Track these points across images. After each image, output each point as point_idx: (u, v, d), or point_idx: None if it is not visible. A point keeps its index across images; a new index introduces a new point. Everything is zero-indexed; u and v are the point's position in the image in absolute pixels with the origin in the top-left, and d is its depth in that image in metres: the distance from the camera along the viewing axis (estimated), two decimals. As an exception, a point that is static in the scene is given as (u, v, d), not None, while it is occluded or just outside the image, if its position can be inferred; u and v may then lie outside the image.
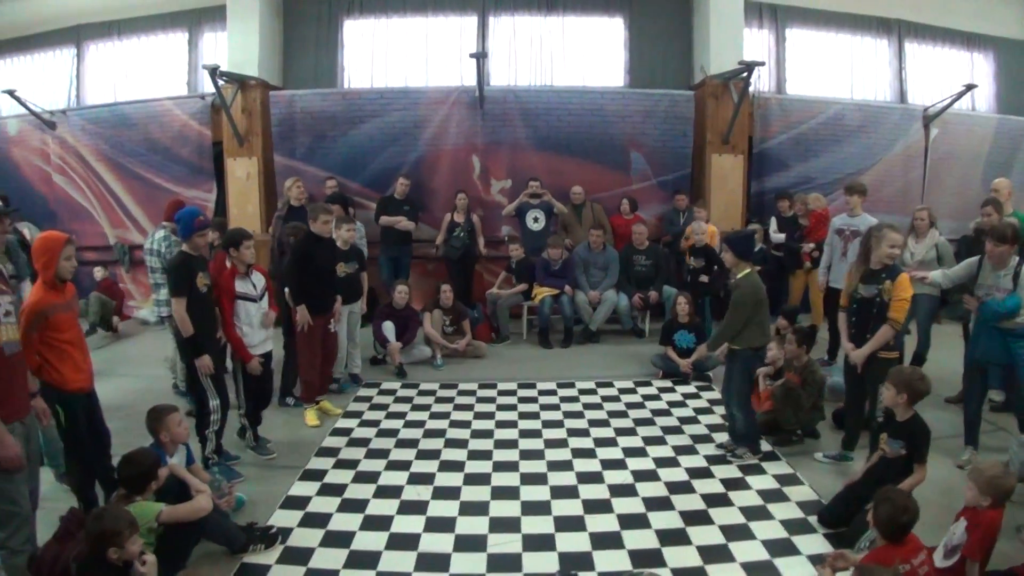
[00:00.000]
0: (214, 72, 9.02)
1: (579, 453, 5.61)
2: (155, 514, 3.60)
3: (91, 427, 4.40)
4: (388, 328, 7.69)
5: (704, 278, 8.42)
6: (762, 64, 9.33)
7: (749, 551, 4.15)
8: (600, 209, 9.61)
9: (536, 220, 9.41)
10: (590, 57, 10.85)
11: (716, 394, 6.95)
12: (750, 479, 5.11)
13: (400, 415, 6.48)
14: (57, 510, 3.94)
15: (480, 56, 9.28)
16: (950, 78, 11.09)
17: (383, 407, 6.70)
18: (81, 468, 4.38)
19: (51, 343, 4.07)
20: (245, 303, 5.43)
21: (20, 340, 3.78)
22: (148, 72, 11.04)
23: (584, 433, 6.03)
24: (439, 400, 6.87)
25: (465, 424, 6.23)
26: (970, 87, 10.15)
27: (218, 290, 5.32)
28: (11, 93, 10.17)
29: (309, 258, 6.13)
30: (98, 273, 9.88)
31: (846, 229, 7.25)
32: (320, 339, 6.30)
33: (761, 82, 10.62)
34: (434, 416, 6.45)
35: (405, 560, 4.10)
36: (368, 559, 4.11)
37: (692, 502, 4.79)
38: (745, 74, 9.25)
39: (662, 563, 4.03)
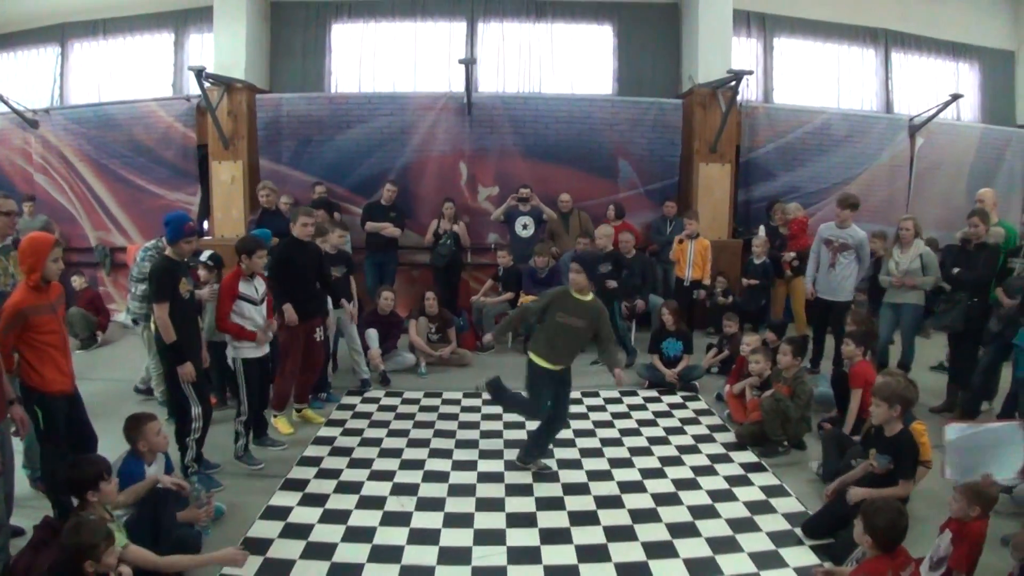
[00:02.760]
0: (200, 74, 8.94)
1: (565, 464, 5.54)
2: (115, 547, 3.38)
3: (72, 430, 4.32)
4: (371, 335, 7.61)
5: (612, 283, 8.21)
6: (750, 73, 9.37)
7: (736, 564, 4.11)
8: (587, 217, 9.58)
9: (525, 227, 9.37)
10: (579, 64, 10.86)
11: (703, 404, 6.96)
12: (737, 490, 5.07)
13: (383, 424, 6.41)
14: (29, 515, 3.88)
15: (469, 62, 9.26)
16: (936, 88, 11.16)
17: (366, 415, 6.62)
18: (56, 472, 4.23)
19: (32, 344, 4.01)
20: (247, 304, 5.49)
21: None
22: (133, 73, 10.95)
23: (570, 444, 5.96)
24: (423, 409, 6.78)
25: (450, 434, 6.15)
26: (956, 97, 10.20)
27: (223, 289, 5.47)
28: None
29: (289, 262, 6.04)
30: (76, 282, 9.50)
31: (835, 240, 7.26)
32: (303, 346, 6.22)
33: (749, 91, 10.64)
34: (418, 425, 6.37)
35: (388, 572, 4.03)
36: (350, 571, 4.03)
37: (679, 514, 4.74)
38: (733, 83, 9.27)
39: (649, 576, 3.99)
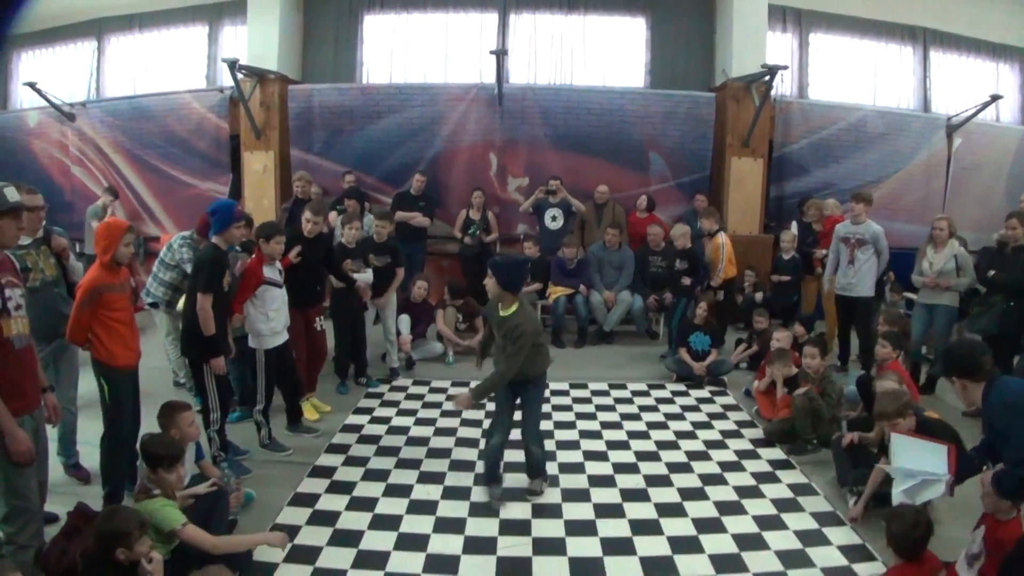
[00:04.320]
0: (233, 66, 9.06)
1: (591, 456, 5.56)
2: (174, 523, 3.47)
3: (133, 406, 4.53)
4: (403, 320, 7.66)
5: (686, 280, 8.23)
6: (785, 68, 9.24)
7: (762, 561, 4.09)
8: (621, 210, 9.51)
9: (555, 219, 9.35)
10: (611, 57, 10.80)
11: (730, 399, 6.92)
12: (764, 487, 5.04)
13: (411, 412, 6.45)
14: (63, 501, 3.94)
15: (500, 53, 9.25)
16: (975, 88, 10.94)
17: (394, 404, 6.66)
18: (117, 448, 4.37)
19: (103, 320, 4.24)
20: (271, 288, 5.45)
21: (71, 315, 4.17)
22: (168, 65, 11.09)
23: (596, 435, 5.98)
24: (451, 398, 6.79)
25: (476, 423, 6.15)
26: (995, 98, 10.03)
27: (247, 274, 5.39)
28: (32, 85, 10.26)
29: (289, 251, 5.88)
30: None
31: (851, 237, 7.20)
32: (304, 336, 6.21)
33: (783, 86, 10.53)
34: (445, 414, 6.40)
35: (414, 561, 4.05)
36: (376, 559, 4.06)
37: (705, 509, 4.73)
38: (767, 77, 9.17)
39: (675, 572, 3.98)
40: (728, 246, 8.68)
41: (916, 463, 3.86)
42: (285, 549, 3.87)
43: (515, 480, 5.05)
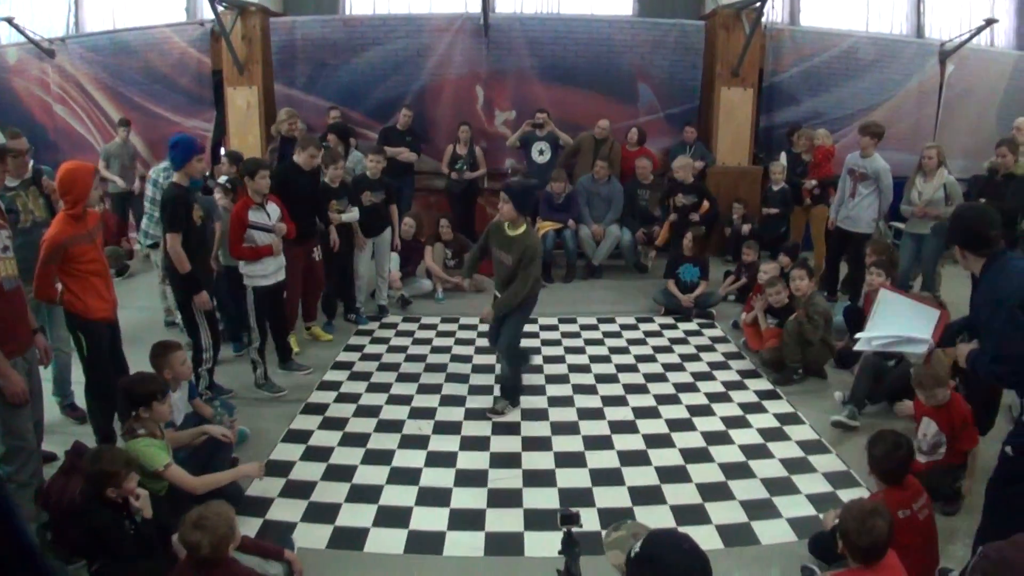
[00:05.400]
0: (213, -4, 8.78)
1: (580, 389, 5.62)
2: (157, 464, 3.48)
3: (113, 357, 4.42)
4: (392, 259, 7.62)
5: (695, 216, 8.27)
6: (776, -7, 9.06)
7: (749, 489, 4.18)
8: (618, 148, 9.32)
9: (542, 152, 9.25)
10: (599, -16, 10.50)
11: (718, 331, 6.97)
12: (751, 417, 5.13)
13: (401, 349, 6.48)
14: (60, 440, 3.97)
15: (486, -20, 9.01)
16: (969, 12, 10.71)
17: (384, 340, 6.69)
18: (102, 399, 4.33)
19: (74, 273, 4.07)
20: (260, 233, 5.37)
21: (36, 272, 3.91)
22: (147, -2, 10.73)
23: (585, 369, 6.04)
24: (440, 334, 6.86)
25: (466, 359, 6.23)
26: (990, 22, 9.83)
27: (232, 221, 5.34)
28: (9, 21, 9.92)
29: (285, 185, 5.83)
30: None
31: (856, 169, 7.10)
32: (302, 268, 6.19)
33: (774, 13, 10.27)
34: (436, 350, 6.44)
35: (406, 494, 4.13)
36: (370, 493, 4.14)
37: (692, 439, 4.81)
38: (758, 4, 8.96)
39: (662, 500, 4.07)
40: None
41: (900, 326, 3.72)
42: (262, 476, 3.91)
43: (507, 414, 5.13)
